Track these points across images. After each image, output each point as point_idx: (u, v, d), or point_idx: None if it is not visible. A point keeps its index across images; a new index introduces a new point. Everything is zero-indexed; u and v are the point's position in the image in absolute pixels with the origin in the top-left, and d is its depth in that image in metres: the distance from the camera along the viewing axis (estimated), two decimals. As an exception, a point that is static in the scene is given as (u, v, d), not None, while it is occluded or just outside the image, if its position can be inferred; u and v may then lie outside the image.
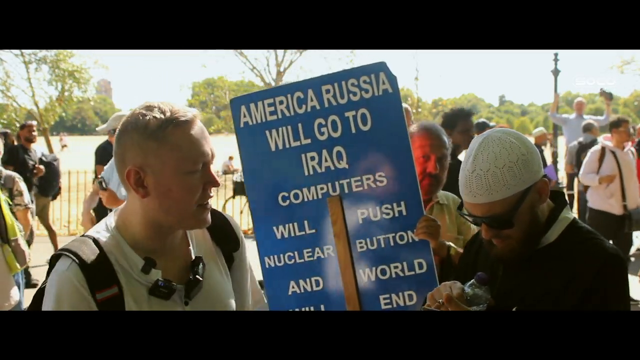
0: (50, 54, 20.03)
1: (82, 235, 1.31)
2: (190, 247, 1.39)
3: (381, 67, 2.15)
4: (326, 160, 2.19)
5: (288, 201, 2.24)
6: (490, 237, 1.46)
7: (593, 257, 1.38)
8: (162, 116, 1.21)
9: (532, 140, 8.98)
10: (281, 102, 2.21)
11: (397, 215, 2.16)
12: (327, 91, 2.17)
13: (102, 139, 6.35)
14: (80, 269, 1.20)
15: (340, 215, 2.17)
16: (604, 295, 1.34)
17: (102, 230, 1.29)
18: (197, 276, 1.32)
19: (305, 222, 2.23)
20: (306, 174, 2.21)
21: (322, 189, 2.20)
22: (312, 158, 2.20)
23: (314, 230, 2.23)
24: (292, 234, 2.24)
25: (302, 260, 2.24)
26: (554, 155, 9.95)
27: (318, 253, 2.23)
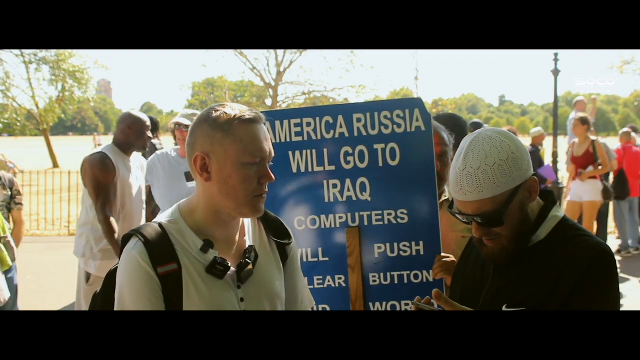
0: (50, 54, 20.02)
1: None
2: (246, 238, 1.52)
3: (417, 103, 2.13)
4: (349, 190, 2.16)
5: (304, 226, 2.20)
6: (480, 236, 1.47)
7: (582, 252, 1.38)
8: (232, 112, 1.39)
9: (529, 140, 8.87)
10: (309, 124, 2.17)
11: (414, 254, 2.14)
12: (359, 120, 2.14)
13: (102, 139, 6.35)
14: (145, 246, 1.37)
15: (357, 247, 2.14)
16: (593, 290, 1.35)
17: (167, 217, 1.46)
18: (247, 260, 1.45)
19: (320, 249, 2.20)
20: (326, 200, 2.17)
21: (341, 218, 2.17)
22: (335, 186, 2.17)
23: (327, 259, 2.20)
24: (304, 260, 2.20)
25: (312, 287, 2.19)
26: (554, 155, 9.94)
27: (329, 282, 2.20)
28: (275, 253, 1.58)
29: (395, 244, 2.15)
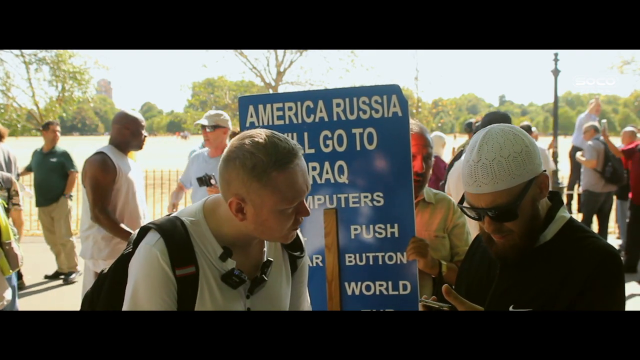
0: (50, 54, 20.03)
1: (171, 215, 1.46)
2: (265, 249, 1.52)
3: (394, 89, 2.17)
4: (327, 173, 2.22)
5: None
6: (492, 231, 1.45)
7: (589, 254, 1.38)
8: (268, 159, 1.30)
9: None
10: (290, 109, 2.23)
11: (389, 236, 2.20)
12: (338, 105, 2.19)
13: (103, 139, 6.39)
14: (166, 245, 1.35)
15: (334, 228, 2.20)
16: (599, 293, 1.34)
17: (190, 215, 1.43)
18: (264, 276, 1.46)
19: (298, 229, 2.23)
20: None
21: (319, 199, 2.24)
22: (314, 168, 2.23)
23: (305, 239, 2.23)
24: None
25: None
26: (554, 155, 9.93)
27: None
28: (287, 264, 1.59)
29: (371, 226, 2.21)
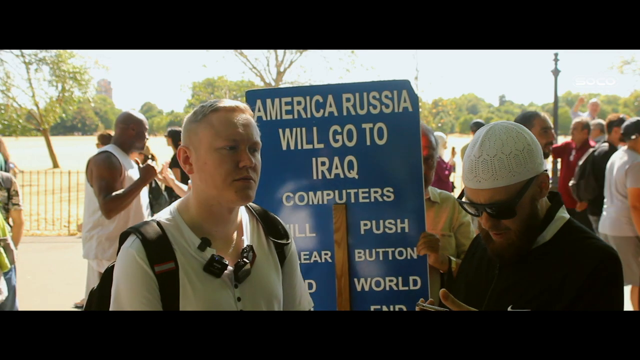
0: (50, 54, 20.02)
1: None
2: (244, 237, 1.52)
3: (405, 84, 2.17)
4: (336, 168, 2.21)
5: (292, 202, 2.25)
6: (489, 228, 1.45)
7: (588, 255, 1.38)
8: (208, 105, 1.42)
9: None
10: (299, 103, 2.22)
11: (399, 231, 2.18)
12: (348, 99, 2.19)
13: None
14: (142, 244, 1.37)
15: (343, 224, 2.19)
16: (598, 294, 1.34)
17: (165, 214, 1.47)
18: (245, 259, 1.45)
19: (307, 225, 2.24)
20: (314, 178, 2.22)
21: (328, 195, 2.22)
22: (323, 163, 2.22)
23: (314, 234, 2.24)
24: (292, 235, 2.25)
25: (299, 262, 2.25)
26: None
27: (315, 257, 2.24)
28: (273, 253, 1.58)
29: (381, 221, 2.20)
